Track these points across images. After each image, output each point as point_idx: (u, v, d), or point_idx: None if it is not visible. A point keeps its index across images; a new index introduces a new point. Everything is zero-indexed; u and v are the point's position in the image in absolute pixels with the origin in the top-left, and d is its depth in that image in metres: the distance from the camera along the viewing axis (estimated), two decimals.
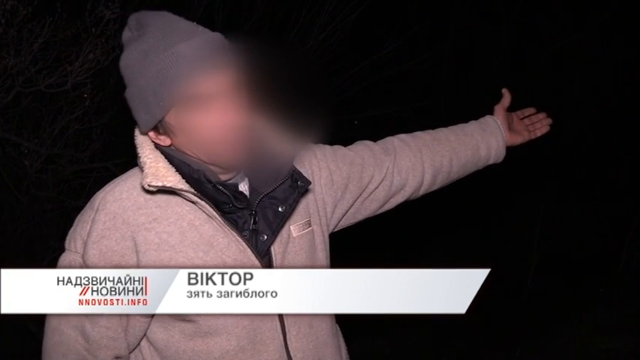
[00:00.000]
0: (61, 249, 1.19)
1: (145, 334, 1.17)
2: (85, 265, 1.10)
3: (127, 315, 1.11)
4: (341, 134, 1.25)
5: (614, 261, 6.45)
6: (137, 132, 1.15)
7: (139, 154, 1.12)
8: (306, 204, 1.27)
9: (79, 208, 3.92)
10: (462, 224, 6.76)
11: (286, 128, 1.20)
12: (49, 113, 3.33)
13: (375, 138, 1.43)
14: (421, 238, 6.30)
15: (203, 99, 1.05)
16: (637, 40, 6.55)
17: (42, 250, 3.82)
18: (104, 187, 1.16)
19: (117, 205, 1.10)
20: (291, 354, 1.18)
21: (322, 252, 1.28)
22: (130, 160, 3.80)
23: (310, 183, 1.19)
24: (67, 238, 1.16)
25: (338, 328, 1.36)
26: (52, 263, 3.84)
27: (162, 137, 1.11)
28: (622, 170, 7.03)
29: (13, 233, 3.76)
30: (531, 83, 7.03)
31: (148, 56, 1.06)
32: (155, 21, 1.10)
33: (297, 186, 1.17)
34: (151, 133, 1.12)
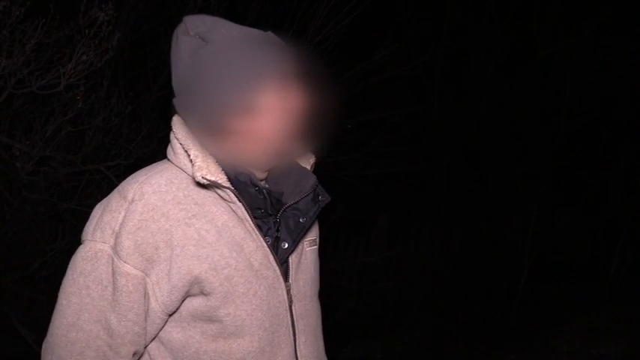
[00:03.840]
0: (80, 241, 1.15)
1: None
2: (115, 256, 1.07)
3: (153, 311, 1.09)
4: (334, 138, 1.25)
5: (605, 266, 6.48)
6: (180, 129, 1.15)
7: (188, 149, 1.11)
8: (316, 225, 1.32)
9: (70, 211, 3.87)
10: (454, 228, 6.78)
11: (305, 137, 1.20)
12: (42, 115, 3.31)
13: (369, 140, 1.42)
14: (417, 241, 6.31)
15: (258, 106, 1.08)
16: (630, 45, 6.60)
17: (33, 253, 3.80)
18: (134, 178, 1.14)
19: (157, 198, 1.08)
20: None
21: (318, 271, 1.33)
22: (121, 163, 3.76)
23: (330, 199, 1.22)
24: (89, 229, 1.13)
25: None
26: (42, 266, 3.82)
27: (213, 139, 1.12)
28: (613, 175, 7.07)
29: (4, 236, 3.73)
30: (524, 87, 7.08)
31: (209, 64, 1.08)
32: (217, 27, 1.12)
33: (318, 200, 1.20)
34: (202, 134, 1.13)
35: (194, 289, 1.09)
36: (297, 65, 1.13)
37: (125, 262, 1.06)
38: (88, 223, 1.15)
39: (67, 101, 3.28)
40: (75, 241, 3.83)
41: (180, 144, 1.13)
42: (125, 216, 1.07)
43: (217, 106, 1.08)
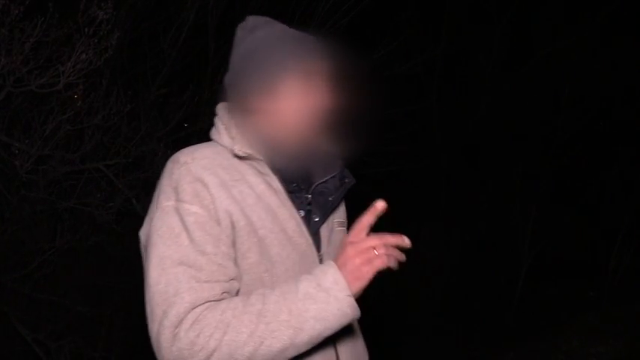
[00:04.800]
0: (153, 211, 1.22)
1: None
2: (179, 204, 1.18)
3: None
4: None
5: (603, 265, 6.50)
6: (223, 113, 1.32)
7: (227, 128, 1.28)
8: (343, 208, 1.44)
9: (69, 210, 3.86)
10: (454, 227, 6.78)
11: (331, 133, 1.33)
12: (40, 114, 3.31)
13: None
14: (416, 240, 6.29)
15: (291, 87, 1.24)
16: (630, 45, 6.61)
17: (32, 252, 3.80)
18: (183, 150, 1.26)
19: (206, 161, 1.22)
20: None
21: None
22: (120, 162, 3.75)
23: (355, 182, 1.34)
24: (156, 199, 1.23)
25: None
26: (41, 265, 3.82)
27: (251, 116, 1.27)
28: (612, 175, 7.08)
29: (3, 235, 3.73)
30: (523, 87, 7.08)
31: (254, 50, 1.27)
32: (265, 24, 1.32)
33: (344, 182, 1.33)
34: (243, 112, 1.28)
35: (237, 243, 1.20)
36: (327, 64, 1.27)
37: (191, 204, 1.17)
38: (155, 195, 1.26)
39: (66, 100, 3.28)
40: (74, 240, 3.81)
41: (223, 124, 1.29)
42: (180, 173, 1.20)
43: (246, 87, 1.26)
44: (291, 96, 1.25)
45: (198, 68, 4.54)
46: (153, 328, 1.14)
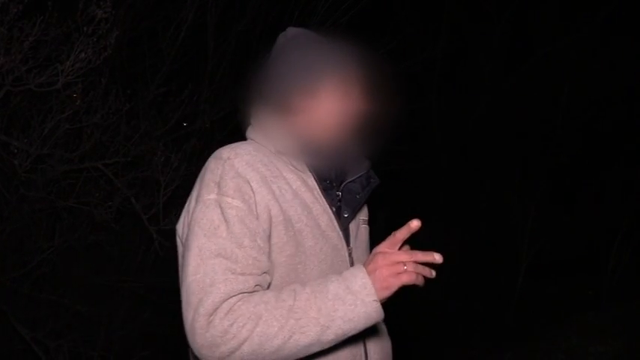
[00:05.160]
0: (196, 202, 1.26)
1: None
2: (221, 197, 1.23)
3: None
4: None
5: (603, 264, 6.50)
6: (261, 113, 1.38)
7: (265, 126, 1.35)
8: (366, 207, 1.51)
9: (68, 209, 3.84)
10: (453, 226, 6.78)
11: (361, 136, 1.40)
12: (39, 112, 3.30)
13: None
14: (411, 241, 6.29)
15: (345, 81, 1.32)
16: (628, 45, 6.60)
17: (31, 251, 3.79)
18: (224, 147, 1.32)
19: (248, 157, 1.27)
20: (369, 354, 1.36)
21: (368, 249, 1.48)
22: (119, 161, 3.74)
23: (379, 182, 1.42)
24: (197, 193, 1.27)
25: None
26: (40, 264, 3.82)
27: (288, 116, 1.33)
28: (611, 174, 7.08)
29: (2, 234, 3.72)
30: (522, 86, 7.08)
31: (302, 53, 1.34)
32: (311, 33, 1.41)
33: (370, 182, 1.41)
34: (280, 112, 1.34)
35: (273, 236, 1.25)
36: (361, 70, 1.36)
37: (232, 198, 1.23)
38: (196, 188, 1.30)
39: (65, 99, 3.27)
40: (73, 239, 3.80)
41: (261, 124, 1.37)
42: (224, 169, 1.25)
43: (287, 89, 1.32)
44: (328, 99, 1.33)
45: (197, 67, 4.53)
46: (188, 314, 1.18)
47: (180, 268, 1.28)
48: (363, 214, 1.50)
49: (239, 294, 1.17)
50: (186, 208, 1.31)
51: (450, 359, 5.14)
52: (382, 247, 1.21)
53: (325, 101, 1.33)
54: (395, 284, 1.17)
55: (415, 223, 1.20)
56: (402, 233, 1.20)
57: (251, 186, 1.24)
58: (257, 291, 1.20)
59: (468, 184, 7.06)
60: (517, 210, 6.68)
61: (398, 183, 6.28)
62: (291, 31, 1.42)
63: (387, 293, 1.18)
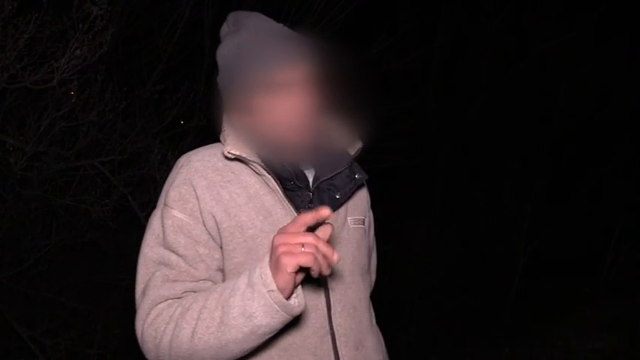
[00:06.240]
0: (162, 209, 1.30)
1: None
2: (164, 207, 1.27)
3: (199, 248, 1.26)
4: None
5: (600, 261, 6.51)
6: (225, 112, 1.34)
7: (224, 129, 1.31)
8: (364, 205, 1.44)
9: (65, 207, 3.83)
10: (450, 224, 6.79)
11: (345, 121, 1.37)
12: (35, 110, 3.29)
13: (362, 139, 1.47)
14: (412, 237, 6.31)
15: (281, 86, 1.23)
16: (625, 43, 6.61)
17: (27, 249, 3.78)
18: (187, 153, 1.34)
19: (199, 164, 1.28)
20: (334, 328, 1.27)
21: (365, 250, 1.42)
22: (116, 158, 3.74)
23: (367, 177, 1.35)
24: (160, 202, 1.30)
25: (379, 330, 1.47)
26: (37, 262, 3.81)
27: (243, 116, 1.28)
28: (608, 171, 7.10)
29: None
30: (519, 84, 7.08)
31: (241, 48, 1.25)
32: (249, 20, 1.30)
33: (354, 178, 1.33)
34: (235, 112, 1.30)
35: (224, 243, 1.24)
36: (315, 65, 1.26)
37: (172, 208, 1.25)
38: (158, 202, 1.33)
39: (61, 96, 3.26)
40: (70, 237, 3.80)
41: (225, 126, 1.32)
42: (175, 176, 1.28)
43: (236, 87, 1.26)
44: (284, 97, 1.24)
45: (194, 64, 4.52)
46: (137, 316, 1.23)
47: None
48: (357, 214, 1.40)
49: (166, 300, 1.20)
50: (161, 195, 1.35)
51: (448, 357, 5.15)
52: (283, 228, 1.08)
53: (281, 99, 1.24)
54: (290, 264, 1.02)
55: (325, 212, 1.05)
56: (308, 217, 1.05)
57: (196, 193, 1.24)
58: (184, 297, 1.20)
59: (465, 182, 7.07)
60: (514, 208, 6.69)
61: (394, 181, 6.28)
62: (232, 19, 1.33)
63: (282, 278, 1.04)
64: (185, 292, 1.21)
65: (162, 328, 1.16)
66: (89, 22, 3.01)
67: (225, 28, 1.34)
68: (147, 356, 1.20)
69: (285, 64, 1.23)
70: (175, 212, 1.24)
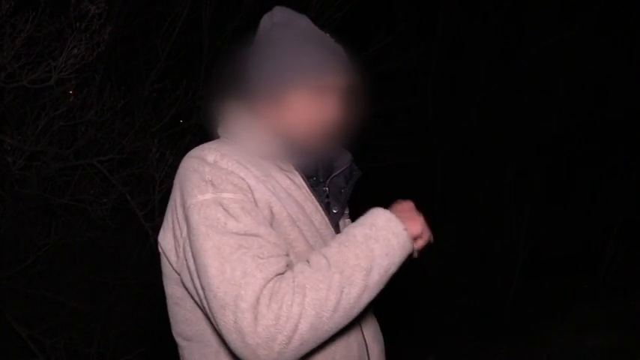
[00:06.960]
0: (185, 210, 1.17)
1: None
2: (218, 194, 1.14)
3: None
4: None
5: (598, 258, 6.51)
6: (239, 112, 1.30)
7: (243, 125, 1.28)
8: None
9: (64, 206, 3.81)
10: (449, 223, 6.79)
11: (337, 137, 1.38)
12: (33, 109, 3.28)
13: (362, 134, 1.48)
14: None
15: (329, 88, 1.27)
16: (624, 41, 6.61)
17: (26, 249, 3.78)
18: (203, 148, 1.23)
19: (238, 157, 1.20)
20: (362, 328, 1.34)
21: None
22: (114, 157, 3.72)
23: (361, 173, 1.42)
24: (185, 193, 1.17)
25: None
26: (36, 262, 3.80)
27: (274, 109, 1.27)
28: (607, 170, 7.10)
29: None
30: (519, 82, 7.08)
31: (297, 44, 1.29)
32: (300, 20, 1.37)
33: (353, 174, 1.41)
34: (264, 105, 1.27)
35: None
36: (351, 72, 1.32)
37: (232, 193, 1.15)
38: (178, 194, 1.20)
39: (59, 95, 3.25)
40: (68, 236, 3.78)
41: (239, 123, 1.29)
42: (213, 170, 1.16)
43: (274, 80, 1.26)
44: (319, 97, 1.27)
45: (192, 63, 4.51)
46: (227, 319, 1.05)
47: (188, 279, 1.18)
48: (346, 208, 1.47)
49: (275, 275, 1.08)
50: (170, 218, 1.21)
51: (447, 355, 5.15)
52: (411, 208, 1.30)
53: (325, 100, 1.27)
54: (420, 223, 1.26)
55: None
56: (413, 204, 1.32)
57: (248, 183, 1.17)
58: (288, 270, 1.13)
59: (464, 181, 7.07)
60: (513, 207, 6.69)
61: (394, 180, 6.27)
62: (279, 13, 1.37)
63: (414, 226, 1.24)
64: (287, 265, 1.13)
65: (289, 301, 1.05)
66: (87, 20, 3.00)
67: (268, 20, 1.37)
68: (262, 353, 1.04)
69: (338, 69, 1.29)
70: (238, 196, 1.14)
